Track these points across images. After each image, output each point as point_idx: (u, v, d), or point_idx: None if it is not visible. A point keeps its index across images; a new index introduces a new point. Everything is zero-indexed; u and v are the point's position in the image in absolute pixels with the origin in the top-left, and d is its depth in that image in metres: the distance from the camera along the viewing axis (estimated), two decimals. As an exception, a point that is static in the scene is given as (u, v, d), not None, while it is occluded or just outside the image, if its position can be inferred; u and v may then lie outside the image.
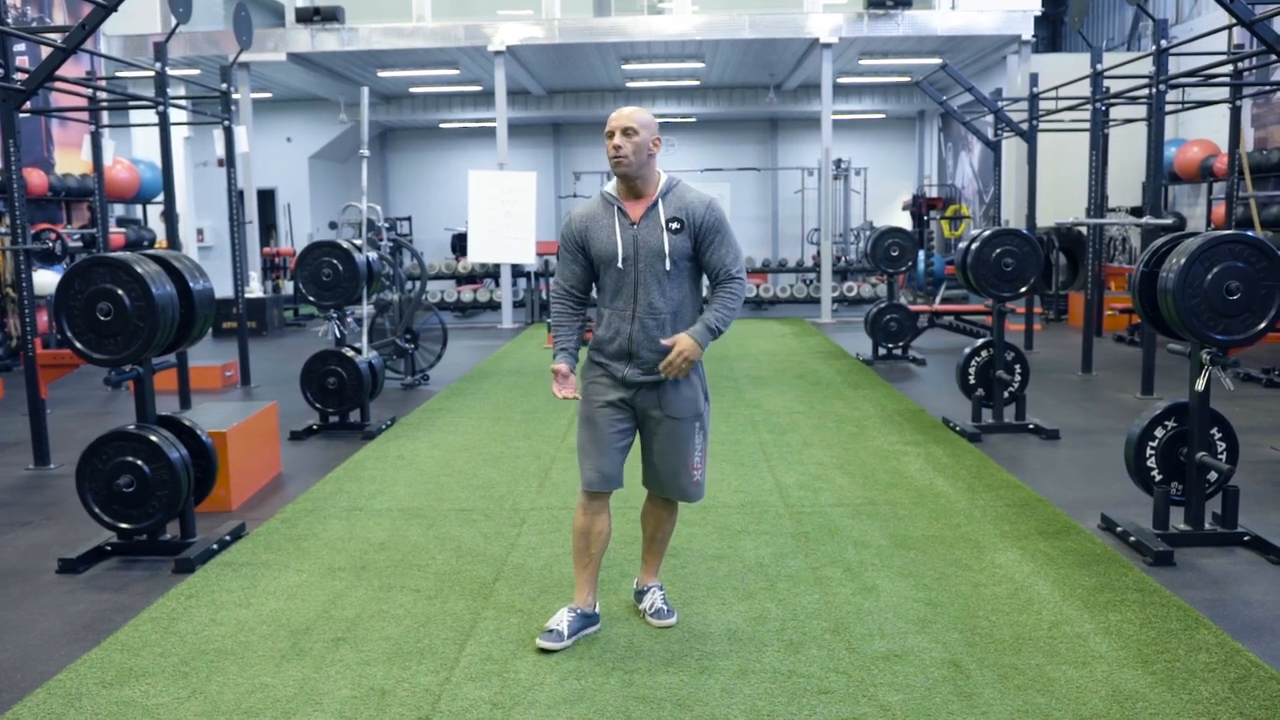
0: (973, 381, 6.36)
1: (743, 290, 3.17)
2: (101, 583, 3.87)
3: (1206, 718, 2.67)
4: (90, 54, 9.15)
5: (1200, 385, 3.99)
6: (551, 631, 3.18)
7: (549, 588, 3.68)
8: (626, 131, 3.06)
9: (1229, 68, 8.28)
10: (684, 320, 3.16)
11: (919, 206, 16.43)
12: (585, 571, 3.27)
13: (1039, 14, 13.50)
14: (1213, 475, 4.10)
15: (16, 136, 5.58)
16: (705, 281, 3.26)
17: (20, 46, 9.21)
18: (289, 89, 16.31)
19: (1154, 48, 7.20)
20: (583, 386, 3.26)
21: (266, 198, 17.38)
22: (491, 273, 15.45)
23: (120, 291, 3.91)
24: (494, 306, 14.69)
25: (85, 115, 9.49)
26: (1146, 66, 7.80)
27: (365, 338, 6.85)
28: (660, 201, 3.13)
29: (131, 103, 8.63)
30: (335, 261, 6.57)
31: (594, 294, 3.30)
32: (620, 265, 3.10)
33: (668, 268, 3.09)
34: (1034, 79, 10.02)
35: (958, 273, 6.30)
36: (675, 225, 3.10)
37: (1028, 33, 12.89)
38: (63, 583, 3.88)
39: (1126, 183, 12.92)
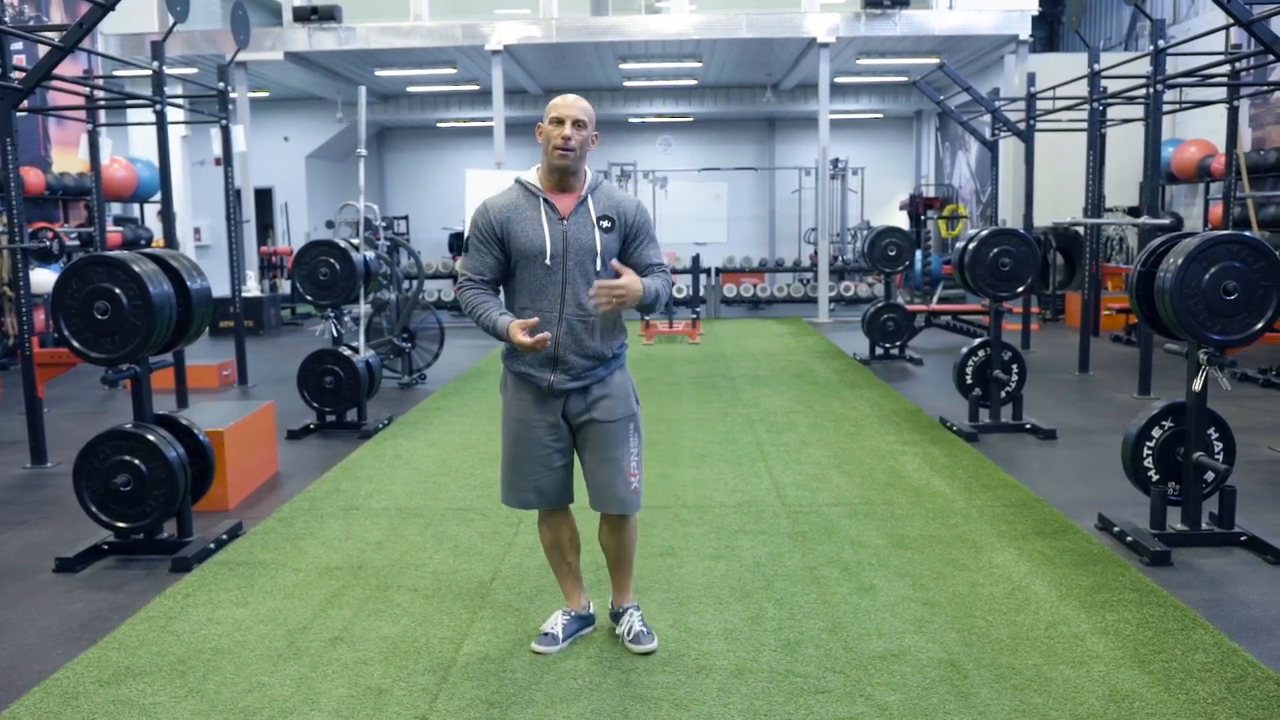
0: (970, 381, 6.36)
1: (671, 282, 3.05)
2: (98, 582, 3.87)
3: (1203, 717, 2.68)
4: (88, 53, 9.15)
5: (1197, 385, 4.00)
6: (546, 635, 3.16)
7: (546, 587, 3.67)
8: (578, 123, 2.88)
9: (1226, 68, 8.29)
10: (611, 323, 2.98)
11: (916, 206, 16.43)
12: (568, 578, 3.24)
13: (1036, 14, 13.50)
14: (1210, 475, 4.11)
15: (14, 135, 5.57)
16: None
17: (17, 45, 9.18)
18: (286, 88, 16.29)
19: (1151, 48, 7.20)
20: (505, 402, 3.09)
21: (264, 197, 17.35)
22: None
23: (117, 290, 3.91)
24: (491, 306, 14.66)
25: (83, 114, 9.47)
26: (1144, 66, 7.81)
27: (362, 337, 6.84)
28: (590, 198, 2.96)
29: (129, 101, 8.61)
30: (332, 261, 6.57)
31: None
32: (548, 262, 2.89)
33: (599, 267, 2.92)
34: (1031, 79, 10.03)
35: (955, 272, 6.30)
36: (606, 223, 2.94)
37: (1025, 32, 12.90)
38: (60, 582, 3.88)
39: (1124, 183, 12.93)
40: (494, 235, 2.94)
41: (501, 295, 3.06)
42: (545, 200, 2.93)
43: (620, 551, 3.16)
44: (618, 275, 2.88)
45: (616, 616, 3.23)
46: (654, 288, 2.94)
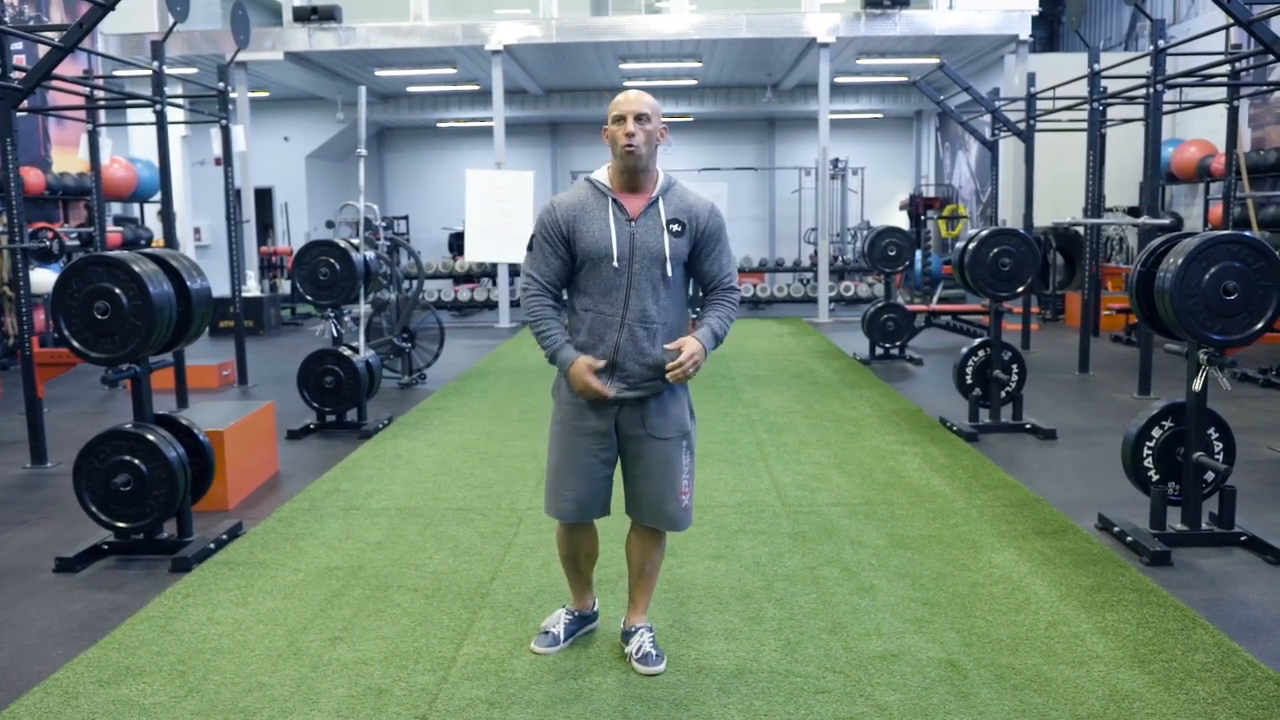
0: (970, 381, 6.36)
1: (738, 301, 2.98)
2: (98, 582, 3.87)
3: (1203, 717, 2.68)
4: (88, 53, 9.15)
5: (1197, 385, 4.00)
6: (547, 634, 3.13)
7: (545, 587, 3.67)
8: (640, 118, 2.78)
9: (1226, 68, 8.29)
10: (674, 331, 2.89)
11: (916, 206, 16.44)
12: (578, 584, 3.19)
13: (1036, 14, 13.50)
14: (1210, 475, 4.11)
15: (14, 135, 5.57)
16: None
17: (17, 45, 9.18)
18: (286, 88, 16.30)
19: (1151, 48, 7.20)
20: (556, 405, 3.00)
21: (264, 197, 17.35)
22: (489, 272, 15.45)
23: (117, 290, 3.91)
24: (491, 306, 14.69)
25: (83, 114, 9.47)
26: (1144, 66, 7.81)
27: (362, 337, 6.84)
28: (660, 200, 2.86)
29: (129, 101, 8.61)
30: (332, 260, 6.57)
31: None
32: (615, 264, 2.80)
33: (667, 273, 2.83)
34: (1031, 79, 10.03)
35: (955, 272, 6.30)
36: (676, 227, 2.84)
37: (1025, 32, 12.91)
38: (60, 582, 3.88)
39: (1124, 183, 12.93)
40: (560, 234, 2.85)
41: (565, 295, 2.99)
42: (614, 200, 2.85)
43: (646, 565, 3.07)
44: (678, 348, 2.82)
45: (627, 636, 3.10)
46: (716, 331, 2.88)
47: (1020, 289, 6.14)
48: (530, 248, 2.91)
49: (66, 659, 3.14)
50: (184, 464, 4.10)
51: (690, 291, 3.06)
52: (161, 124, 7.65)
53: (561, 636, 3.12)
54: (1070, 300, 12.54)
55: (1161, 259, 4.04)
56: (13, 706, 2.83)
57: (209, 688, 2.92)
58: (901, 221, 17.56)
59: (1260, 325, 3.88)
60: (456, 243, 18.06)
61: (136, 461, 4.02)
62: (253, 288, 12.89)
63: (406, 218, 19.54)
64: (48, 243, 9.70)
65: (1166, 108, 9.27)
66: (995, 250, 6.05)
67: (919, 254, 14.25)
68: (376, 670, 3.02)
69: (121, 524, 4.07)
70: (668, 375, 2.79)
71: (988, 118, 10.90)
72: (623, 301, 2.83)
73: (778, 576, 3.75)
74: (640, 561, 3.08)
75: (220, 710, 2.79)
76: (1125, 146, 12.02)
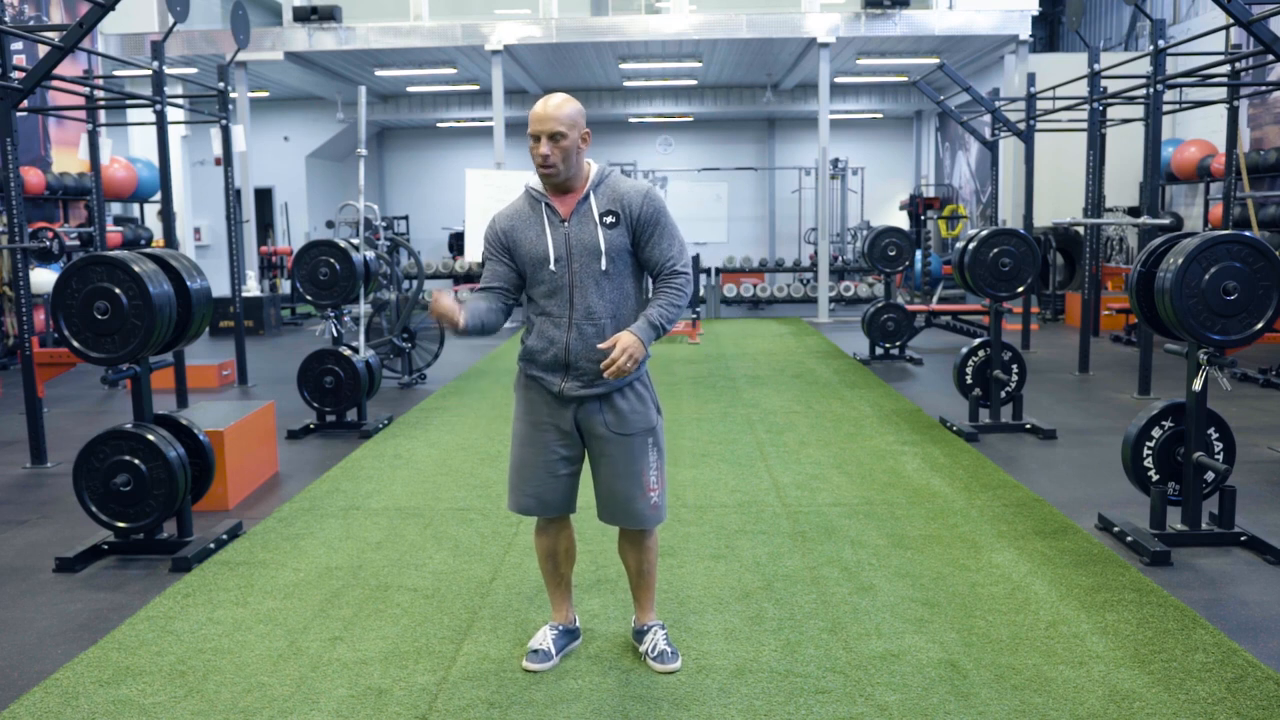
0: (970, 381, 6.36)
1: (688, 286, 2.87)
2: (98, 582, 3.87)
3: (1203, 717, 2.68)
4: (88, 53, 9.13)
5: (1197, 385, 4.00)
6: (537, 652, 3.06)
7: (545, 588, 3.67)
8: (554, 137, 2.77)
9: (1226, 68, 8.29)
10: (624, 324, 2.85)
11: (916, 206, 16.44)
12: (559, 590, 3.15)
13: (1036, 14, 13.51)
14: (1210, 475, 4.11)
15: (14, 135, 5.57)
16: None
17: (17, 45, 9.18)
18: (286, 88, 16.30)
19: (1151, 48, 7.20)
20: (517, 403, 3.00)
21: (264, 196, 17.36)
22: (489, 272, 15.42)
23: (117, 290, 3.91)
24: (491, 306, 14.67)
25: (83, 114, 9.48)
26: (1144, 66, 7.82)
27: (362, 337, 6.84)
28: (592, 194, 2.85)
29: (129, 101, 8.61)
30: (332, 260, 6.57)
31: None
32: (553, 267, 2.81)
33: (604, 267, 2.81)
34: (1031, 79, 10.03)
35: (955, 272, 6.30)
36: (610, 219, 2.82)
37: (1025, 32, 12.92)
38: (59, 581, 3.88)
39: (1124, 183, 12.94)
40: (502, 245, 2.92)
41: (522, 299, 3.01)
42: (547, 204, 2.86)
43: (641, 565, 3.05)
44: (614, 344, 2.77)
45: (640, 635, 3.11)
46: (654, 321, 2.80)
47: (1020, 289, 6.14)
48: (483, 261, 2.99)
49: (66, 659, 3.14)
50: (184, 464, 4.10)
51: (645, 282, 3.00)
52: (161, 124, 7.65)
53: (553, 651, 3.06)
54: (1070, 300, 12.54)
55: (1161, 259, 4.04)
56: (13, 706, 2.83)
57: (209, 688, 2.92)
58: (901, 221, 17.57)
59: (1260, 325, 3.87)
60: (456, 243, 18.06)
61: (136, 461, 4.02)
62: (253, 288, 12.88)
63: (406, 218, 19.55)
64: (48, 243, 9.70)
65: (1166, 108, 9.27)
66: (995, 250, 6.05)
67: (919, 254, 14.26)
68: (376, 670, 3.02)
69: (121, 524, 4.07)
70: (604, 373, 2.74)
71: (988, 118, 10.90)
72: (567, 302, 2.83)
73: (778, 576, 3.75)
74: (636, 563, 3.06)
75: (220, 710, 2.79)
76: (1125, 146, 12.03)
